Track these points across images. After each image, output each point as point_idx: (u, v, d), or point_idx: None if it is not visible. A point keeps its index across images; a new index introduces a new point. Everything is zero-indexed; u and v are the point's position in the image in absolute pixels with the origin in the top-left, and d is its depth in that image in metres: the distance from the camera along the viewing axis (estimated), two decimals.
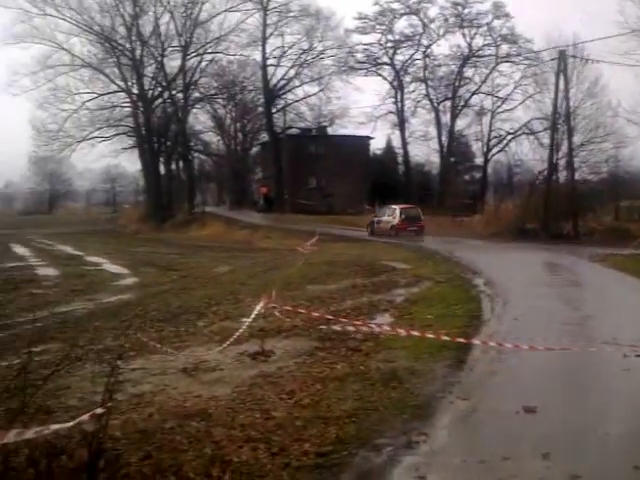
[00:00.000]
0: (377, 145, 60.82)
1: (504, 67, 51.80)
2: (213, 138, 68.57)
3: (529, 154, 47.37)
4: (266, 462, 4.49)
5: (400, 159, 59.29)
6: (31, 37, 45.45)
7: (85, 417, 3.51)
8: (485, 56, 52.71)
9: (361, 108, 55.81)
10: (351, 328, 8.95)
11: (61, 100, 47.42)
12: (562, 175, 30.91)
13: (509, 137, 52.11)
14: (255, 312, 8.04)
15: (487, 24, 51.37)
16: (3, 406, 3.47)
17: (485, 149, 54.20)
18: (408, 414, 5.54)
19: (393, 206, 33.08)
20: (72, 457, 3.80)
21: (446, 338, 6.99)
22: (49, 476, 3.48)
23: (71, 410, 5.47)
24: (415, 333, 7.23)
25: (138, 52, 48.61)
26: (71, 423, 3.41)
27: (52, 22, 45.97)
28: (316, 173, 55.16)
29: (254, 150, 70.06)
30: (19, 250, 28.95)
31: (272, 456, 4.60)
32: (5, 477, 3.33)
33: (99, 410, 3.60)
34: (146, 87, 49.80)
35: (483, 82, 53.05)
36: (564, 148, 30.75)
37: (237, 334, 7.70)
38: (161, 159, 51.98)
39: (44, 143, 48.80)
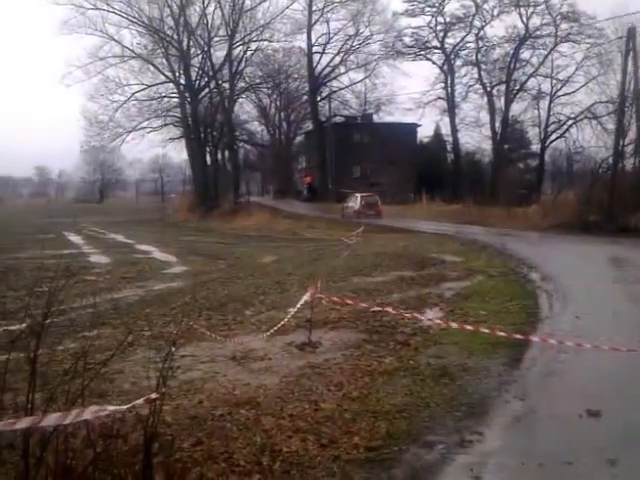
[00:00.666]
0: (425, 133, 60.21)
1: (564, 47, 49.45)
2: (258, 128, 69.29)
3: (591, 140, 45.93)
4: (316, 453, 4.56)
5: (449, 147, 58.43)
6: (84, 27, 47.00)
7: (140, 401, 3.61)
8: (543, 36, 50.66)
9: (409, 94, 55.62)
10: (399, 321, 8.98)
11: (111, 91, 49.15)
12: (629, 163, 29.57)
13: (569, 122, 50.34)
14: (301, 302, 8.11)
15: (545, 2, 48.94)
16: (62, 388, 3.59)
17: (542, 135, 52.48)
18: (461, 412, 5.50)
19: (356, 194, 39.44)
20: (126, 440, 3.95)
21: (502, 334, 6.89)
22: (106, 457, 3.62)
23: (124, 394, 5.72)
24: (468, 327, 7.13)
25: (185, 43, 49.59)
26: (127, 406, 3.53)
27: (103, 14, 47.47)
28: (361, 162, 55.00)
29: (298, 139, 70.39)
30: (73, 238, 29.89)
31: (321, 448, 4.66)
32: (65, 457, 3.48)
33: (153, 395, 3.69)
34: (193, 77, 50.74)
35: (541, 64, 51.00)
36: (632, 133, 29.43)
37: (282, 323, 7.82)
38: (207, 149, 52.80)
39: (95, 133, 50.66)
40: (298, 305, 8.09)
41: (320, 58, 56.00)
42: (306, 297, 8.13)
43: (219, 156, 54.87)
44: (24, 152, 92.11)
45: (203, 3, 48.86)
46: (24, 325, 3.93)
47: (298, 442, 4.74)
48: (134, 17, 48.16)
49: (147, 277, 15.23)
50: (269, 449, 4.58)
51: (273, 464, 4.35)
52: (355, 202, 38.34)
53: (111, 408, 3.47)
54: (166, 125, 52.38)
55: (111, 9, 47.35)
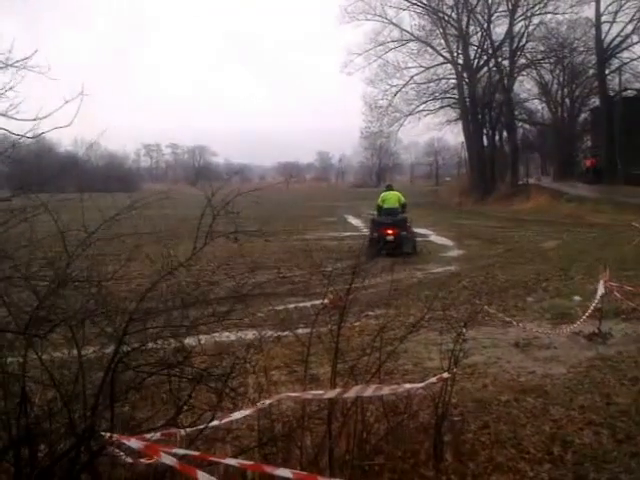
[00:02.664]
0: None
1: None
2: (538, 106, 65.72)
3: None
4: (611, 448, 4.29)
5: None
6: (364, 13, 48.15)
7: (433, 380, 3.70)
8: None
9: None
10: None
11: (390, 76, 50.03)
12: None
13: None
14: (589, 291, 7.73)
15: None
16: (355, 363, 3.72)
17: None
18: None
19: None
20: (414, 418, 4.03)
21: None
22: (398, 433, 3.76)
23: (408, 373, 5.89)
24: None
25: (464, 21, 48.42)
26: (423, 384, 3.65)
27: None
28: None
29: (582, 117, 64.93)
30: (352, 221, 31.92)
31: (617, 443, 4.37)
32: (362, 429, 3.63)
33: (445, 375, 3.76)
34: (471, 57, 49.65)
35: None
36: None
37: (587, 314, 7.38)
38: (484, 130, 51.53)
39: (375, 119, 51.65)
40: (586, 294, 7.61)
41: (609, 28, 50.35)
42: (595, 286, 7.68)
43: (496, 137, 53.39)
44: (309, 139, 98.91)
45: None
46: (325, 301, 4.08)
47: (591, 435, 4.50)
48: None
49: (425, 260, 15.43)
50: (560, 439, 4.41)
51: (565, 455, 4.18)
52: None
53: (407, 386, 3.61)
54: (443, 107, 52.29)
55: None
